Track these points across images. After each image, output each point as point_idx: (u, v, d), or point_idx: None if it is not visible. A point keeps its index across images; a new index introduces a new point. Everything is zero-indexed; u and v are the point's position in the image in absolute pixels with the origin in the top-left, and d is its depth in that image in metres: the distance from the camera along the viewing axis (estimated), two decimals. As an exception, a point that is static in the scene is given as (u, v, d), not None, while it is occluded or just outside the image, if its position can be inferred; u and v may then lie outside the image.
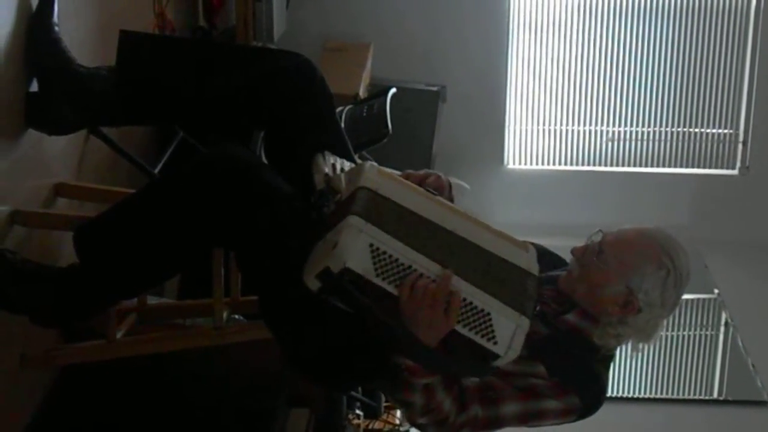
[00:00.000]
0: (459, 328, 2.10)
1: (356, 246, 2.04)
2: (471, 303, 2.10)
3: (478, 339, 2.10)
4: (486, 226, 2.21)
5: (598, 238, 2.49)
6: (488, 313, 2.10)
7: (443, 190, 2.39)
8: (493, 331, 2.10)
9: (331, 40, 5.85)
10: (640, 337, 2.46)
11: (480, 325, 2.10)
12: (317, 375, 2.50)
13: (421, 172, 2.41)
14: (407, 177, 2.36)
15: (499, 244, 2.19)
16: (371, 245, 2.05)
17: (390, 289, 2.07)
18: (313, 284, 2.08)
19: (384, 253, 2.06)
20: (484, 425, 2.36)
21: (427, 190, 2.29)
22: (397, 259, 2.07)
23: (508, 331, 2.11)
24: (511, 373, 2.26)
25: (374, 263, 2.06)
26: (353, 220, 2.06)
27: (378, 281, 2.06)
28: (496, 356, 2.12)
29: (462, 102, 6.24)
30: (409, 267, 2.07)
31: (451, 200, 2.40)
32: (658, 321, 2.46)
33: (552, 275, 2.55)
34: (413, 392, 2.32)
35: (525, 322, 2.12)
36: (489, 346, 2.11)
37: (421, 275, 2.07)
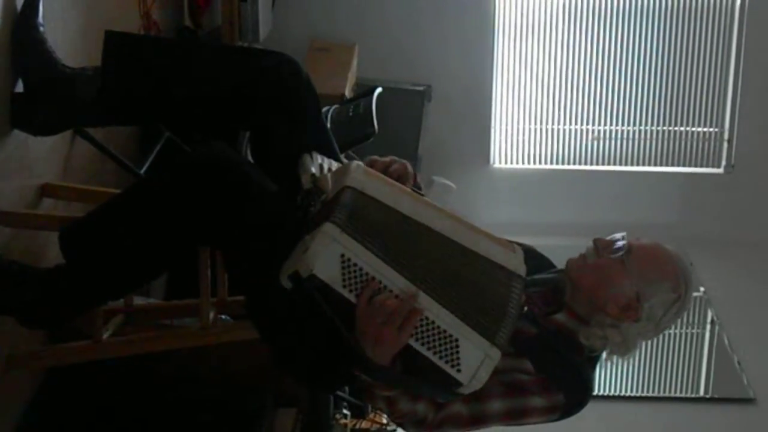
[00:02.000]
0: (423, 349, 2.07)
1: (326, 254, 2.03)
2: (438, 326, 2.06)
3: (441, 364, 2.07)
4: (472, 227, 2.20)
5: (623, 241, 2.46)
6: (456, 339, 2.07)
7: (408, 178, 2.38)
8: (458, 358, 2.07)
9: (316, 41, 5.85)
10: (621, 347, 2.45)
11: (445, 349, 2.07)
12: (303, 375, 2.50)
13: (387, 158, 2.40)
14: (372, 163, 2.36)
15: (485, 245, 2.17)
16: (342, 255, 2.03)
17: (355, 300, 2.05)
18: (287, 283, 2.07)
19: (354, 264, 2.04)
20: (469, 422, 2.35)
21: (414, 190, 2.29)
22: (367, 273, 2.05)
23: (475, 361, 2.08)
24: (497, 370, 2.26)
25: (342, 273, 2.03)
26: (328, 228, 2.04)
27: (344, 292, 2.04)
28: (459, 384, 2.09)
29: (447, 101, 6.25)
30: (380, 282, 2.05)
31: (418, 189, 2.38)
32: (643, 339, 2.46)
33: (539, 278, 2.54)
34: (377, 402, 2.33)
35: (495, 353, 2.09)
36: (452, 373, 2.08)
37: (384, 288, 2.05)
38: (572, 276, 2.47)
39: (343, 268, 2.03)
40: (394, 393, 2.29)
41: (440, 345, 2.07)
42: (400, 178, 2.37)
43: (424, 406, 2.33)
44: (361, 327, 2.07)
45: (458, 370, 2.07)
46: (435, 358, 2.07)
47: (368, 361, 2.10)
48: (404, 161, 2.42)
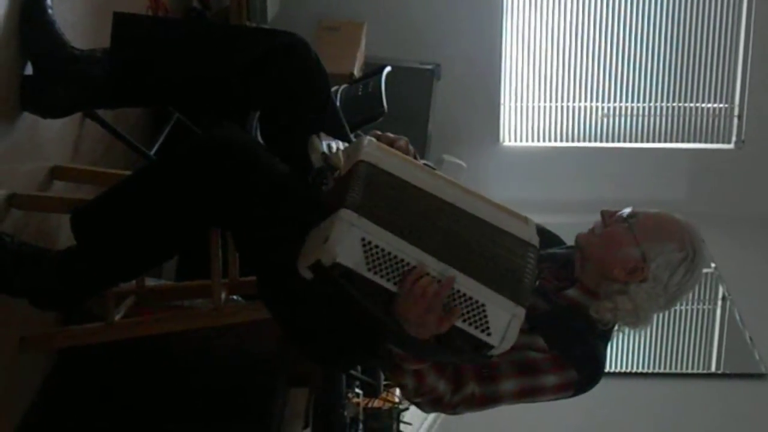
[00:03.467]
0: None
1: (347, 241, 2.02)
2: (465, 294, 2.07)
3: (471, 330, 2.08)
4: (484, 199, 2.20)
5: (630, 209, 2.50)
6: (483, 304, 2.08)
7: (409, 155, 2.38)
8: (487, 322, 2.08)
9: (324, 20, 5.84)
10: (631, 315, 2.46)
11: (474, 316, 2.08)
12: (316, 355, 2.50)
13: (391, 135, 2.40)
14: (377, 137, 2.35)
15: (499, 216, 2.18)
16: (363, 239, 2.03)
17: (382, 282, 2.05)
18: (306, 273, 2.07)
19: (376, 246, 2.03)
20: (481, 402, 2.37)
21: (426, 165, 2.29)
22: (389, 253, 2.04)
23: (503, 322, 2.09)
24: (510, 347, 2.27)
25: (366, 257, 2.03)
26: (345, 214, 2.03)
27: (370, 275, 2.04)
28: (490, 347, 2.10)
29: (457, 80, 6.24)
30: (402, 260, 2.05)
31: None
32: (652, 305, 2.46)
33: (551, 252, 2.56)
34: (404, 376, 2.33)
35: (520, 312, 2.10)
36: (483, 337, 2.09)
37: (422, 274, 2.04)
38: (581, 247, 2.49)
39: (365, 251, 2.03)
40: (425, 366, 2.30)
41: (469, 312, 2.08)
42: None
43: (444, 384, 2.34)
44: (404, 312, 2.06)
45: (488, 334, 2.08)
46: (465, 326, 2.08)
47: (407, 337, 2.10)
48: (405, 138, 2.42)
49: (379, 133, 2.38)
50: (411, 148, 2.40)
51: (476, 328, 2.09)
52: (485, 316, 2.08)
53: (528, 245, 2.19)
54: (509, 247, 2.16)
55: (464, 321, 2.08)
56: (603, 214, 2.51)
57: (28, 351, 2.80)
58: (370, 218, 2.04)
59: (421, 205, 2.11)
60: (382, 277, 2.05)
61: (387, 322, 2.09)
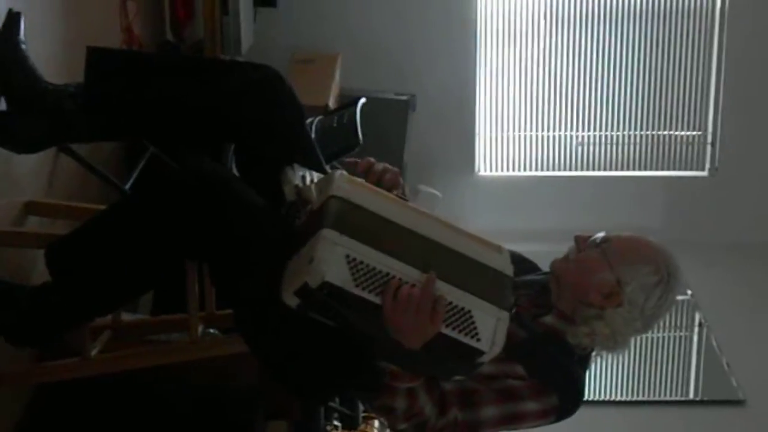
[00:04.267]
0: (443, 329, 2.10)
1: (333, 259, 2.04)
2: (451, 303, 2.10)
3: (462, 338, 2.11)
4: (458, 230, 2.22)
5: (603, 234, 2.52)
6: (469, 311, 2.11)
7: (398, 187, 2.40)
8: (475, 328, 2.11)
9: (299, 52, 5.85)
10: (609, 340, 2.47)
11: (462, 323, 2.11)
12: (294, 386, 2.49)
13: (380, 166, 2.41)
14: (353, 165, 2.37)
15: (472, 247, 2.20)
16: (347, 256, 2.05)
17: (370, 297, 2.07)
18: (292, 301, 2.08)
19: (361, 263, 2.06)
20: (464, 429, 2.37)
21: (399, 196, 2.30)
22: (374, 268, 2.07)
23: (489, 327, 2.12)
24: (490, 376, 2.27)
25: (352, 274, 2.05)
26: (327, 233, 2.06)
27: (357, 291, 2.06)
28: (481, 353, 2.13)
29: (432, 110, 6.25)
30: (387, 274, 2.08)
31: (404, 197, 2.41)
32: (629, 329, 2.47)
33: (526, 279, 2.57)
34: (396, 397, 2.33)
35: (505, 315, 2.14)
36: (473, 343, 2.12)
37: (402, 282, 2.07)
38: (557, 273, 2.51)
39: (351, 268, 2.05)
40: (417, 384, 2.31)
41: (457, 320, 2.11)
42: (393, 188, 2.38)
43: (431, 407, 2.35)
44: (395, 321, 2.07)
45: (478, 340, 2.12)
46: (454, 333, 2.11)
47: (402, 350, 2.11)
48: (396, 170, 2.43)
49: (372, 160, 2.40)
50: (401, 180, 2.42)
51: (466, 335, 2.12)
52: (473, 323, 2.11)
53: (502, 275, 2.20)
54: (484, 277, 2.17)
55: (454, 329, 2.11)
56: (576, 239, 2.53)
57: (3, 387, 2.77)
58: (351, 237, 2.07)
59: (394, 237, 2.13)
60: (370, 292, 2.07)
61: (380, 337, 2.09)
